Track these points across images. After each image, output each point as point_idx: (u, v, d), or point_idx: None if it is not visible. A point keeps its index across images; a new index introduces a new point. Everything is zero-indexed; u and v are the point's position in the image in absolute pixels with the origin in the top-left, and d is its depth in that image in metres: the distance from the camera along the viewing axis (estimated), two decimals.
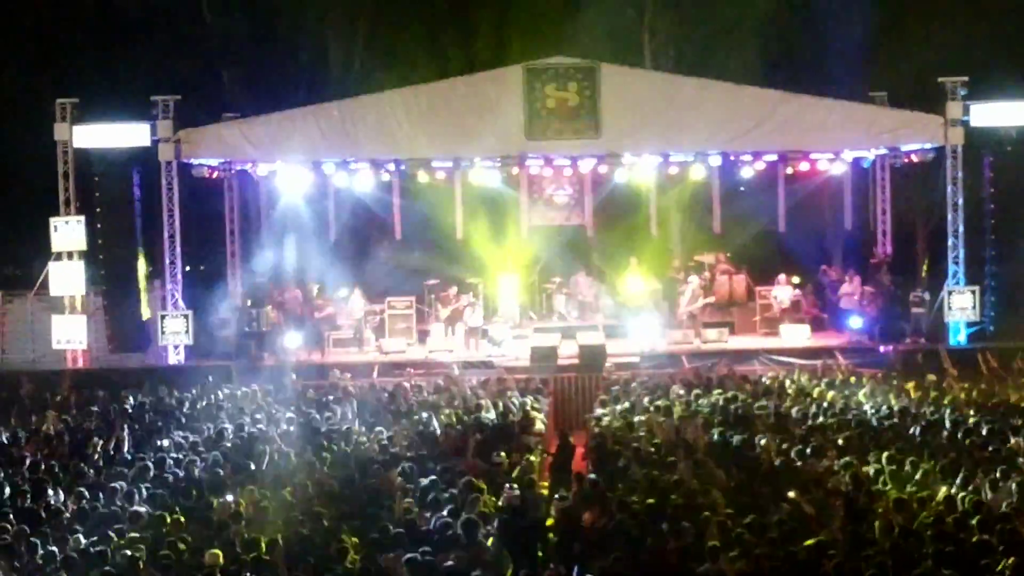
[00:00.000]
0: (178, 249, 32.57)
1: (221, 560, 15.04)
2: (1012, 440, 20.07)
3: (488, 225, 36.33)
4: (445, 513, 16.61)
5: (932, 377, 27.34)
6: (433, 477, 18.79)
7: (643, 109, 32.23)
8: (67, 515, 17.24)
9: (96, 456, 21.19)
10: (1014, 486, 17.15)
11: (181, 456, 20.89)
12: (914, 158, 33.29)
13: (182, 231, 32.72)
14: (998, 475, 17.69)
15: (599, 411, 24.99)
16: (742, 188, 35.49)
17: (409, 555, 14.68)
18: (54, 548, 15.48)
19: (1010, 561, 13.95)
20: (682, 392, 25.97)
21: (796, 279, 35.14)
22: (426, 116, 32.23)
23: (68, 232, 32.29)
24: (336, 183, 34.64)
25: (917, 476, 18.03)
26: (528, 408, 25.24)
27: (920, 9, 37.74)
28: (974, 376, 28.04)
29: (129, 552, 15.14)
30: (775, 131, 32.04)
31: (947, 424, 21.86)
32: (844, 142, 32.93)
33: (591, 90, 32.10)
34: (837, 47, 37.55)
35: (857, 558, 14.29)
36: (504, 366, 31.38)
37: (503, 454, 20.68)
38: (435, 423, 23.24)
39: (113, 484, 18.56)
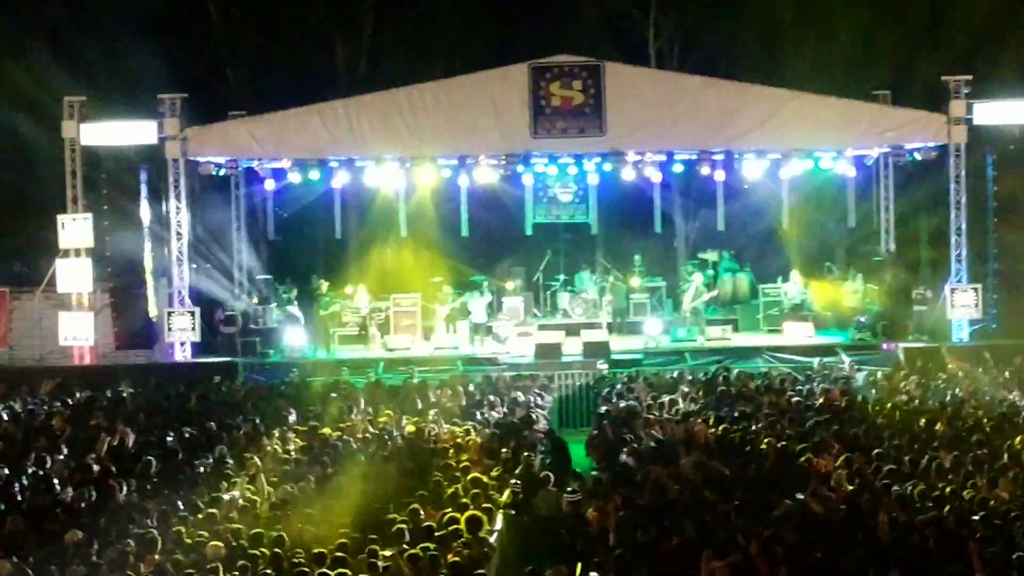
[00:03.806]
0: (185, 246, 32.70)
1: (223, 552, 15.22)
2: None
3: (493, 223, 36.44)
4: (450, 508, 16.75)
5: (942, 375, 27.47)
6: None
7: (647, 107, 32.36)
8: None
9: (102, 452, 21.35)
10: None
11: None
12: (917, 156, 33.29)
13: (189, 228, 32.87)
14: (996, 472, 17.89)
15: (603, 407, 25.07)
16: (746, 186, 35.55)
17: (412, 551, 14.84)
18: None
19: (1014, 558, 14.08)
20: (687, 389, 26.06)
21: (800, 276, 35.26)
22: (431, 114, 32.36)
23: (75, 229, 32.36)
24: (341, 180, 34.62)
25: (919, 472, 18.19)
26: (532, 405, 25.37)
27: (924, 7, 37.79)
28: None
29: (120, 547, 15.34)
30: (779, 129, 32.15)
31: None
32: (848, 140, 32.98)
33: (596, 88, 32.21)
34: (841, 45, 37.63)
35: (859, 554, 14.42)
36: (508, 363, 31.47)
37: (508, 451, 20.81)
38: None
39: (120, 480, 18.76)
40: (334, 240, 36.80)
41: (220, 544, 15.44)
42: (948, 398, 24.57)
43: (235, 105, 36.10)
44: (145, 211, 32.98)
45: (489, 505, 17.44)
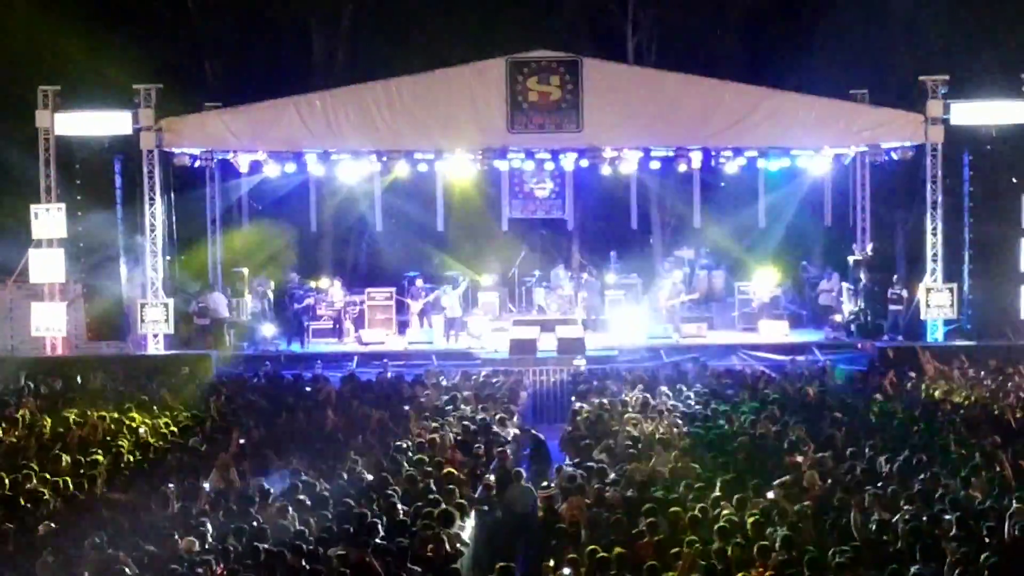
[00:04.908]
0: (159, 237, 32.52)
1: (196, 547, 15.13)
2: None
3: (469, 217, 36.37)
4: (422, 504, 16.70)
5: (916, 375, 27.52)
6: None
7: (625, 104, 32.30)
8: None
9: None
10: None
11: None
12: (894, 155, 33.28)
13: (163, 219, 32.70)
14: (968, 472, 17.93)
15: (577, 404, 25.04)
16: (723, 183, 35.56)
17: (382, 545, 14.79)
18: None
19: (984, 558, 14.07)
20: (664, 388, 26.02)
21: (776, 275, 35.25)
22: (408, 108, 32.28)
23: (48, 219, 32.18)
24: (317, 174, 34.51)
25: (893, 471, 18.19)
26: (506, 401, 25.32)
27: (902, 7, 37.81)
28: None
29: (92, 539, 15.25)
30: (756, 127, 32.14)
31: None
32: (825, 139, 32.96)
33: (573, 84, 32.14)
34: (820, 44, 37.63)
35: (830, 553, 14.41)
36: (483, 358, 31.40)
37: (482, 446, 20.76)
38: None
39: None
40: (309, 233, 36.66)
41: (193, 539, 15.36)
42: (922, 398, 24.62)
43: (211, 96, 35.93)
44: (119, 202, 32.80)
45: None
